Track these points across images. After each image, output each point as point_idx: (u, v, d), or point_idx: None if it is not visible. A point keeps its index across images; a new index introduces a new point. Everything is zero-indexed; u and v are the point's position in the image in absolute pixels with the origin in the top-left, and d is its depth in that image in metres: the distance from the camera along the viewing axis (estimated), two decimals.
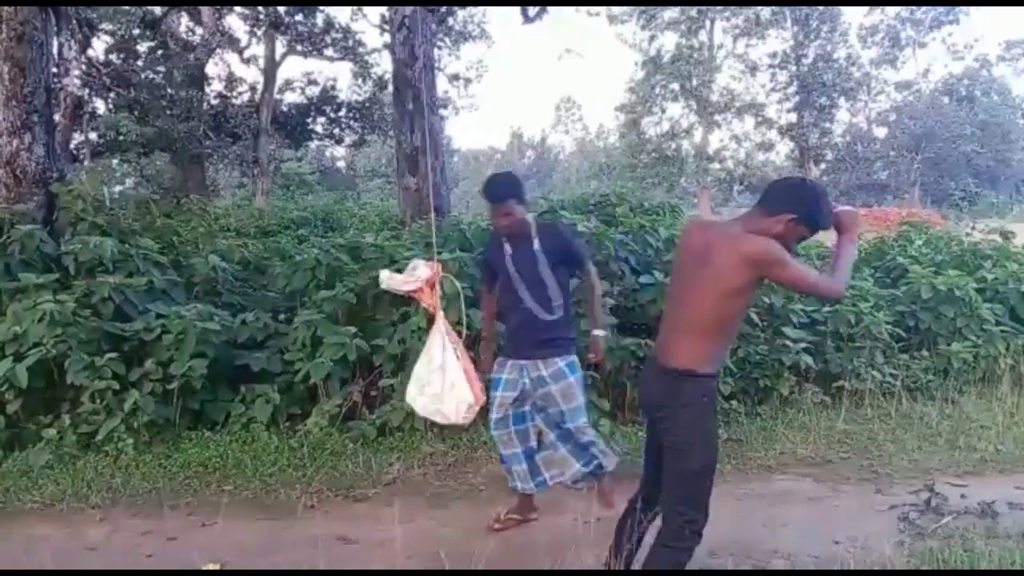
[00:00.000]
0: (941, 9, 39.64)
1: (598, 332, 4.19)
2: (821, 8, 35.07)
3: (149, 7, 18.90)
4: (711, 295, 2.77)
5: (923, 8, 40.04)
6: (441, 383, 3.70)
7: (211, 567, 3.71)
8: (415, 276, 3.93)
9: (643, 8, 34.67)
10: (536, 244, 3.99)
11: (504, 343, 4.25)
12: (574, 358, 4.09)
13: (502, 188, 4.02)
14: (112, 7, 17.67)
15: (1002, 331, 7.10)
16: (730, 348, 3.21)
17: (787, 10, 35.01)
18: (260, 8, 19.97)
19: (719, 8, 34.35)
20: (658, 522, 2.99)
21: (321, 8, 21.31)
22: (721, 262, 2.73)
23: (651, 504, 3.14)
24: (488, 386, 4.11)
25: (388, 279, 4.02)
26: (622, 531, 3.20)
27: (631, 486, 3.35)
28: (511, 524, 4.24)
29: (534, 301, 3.96)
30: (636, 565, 3.19)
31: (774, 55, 36.83)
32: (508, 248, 4.02)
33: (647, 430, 3.22)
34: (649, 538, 3.05)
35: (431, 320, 3.98)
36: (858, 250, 2.91)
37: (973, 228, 10.04)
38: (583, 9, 13.43)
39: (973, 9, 39.37)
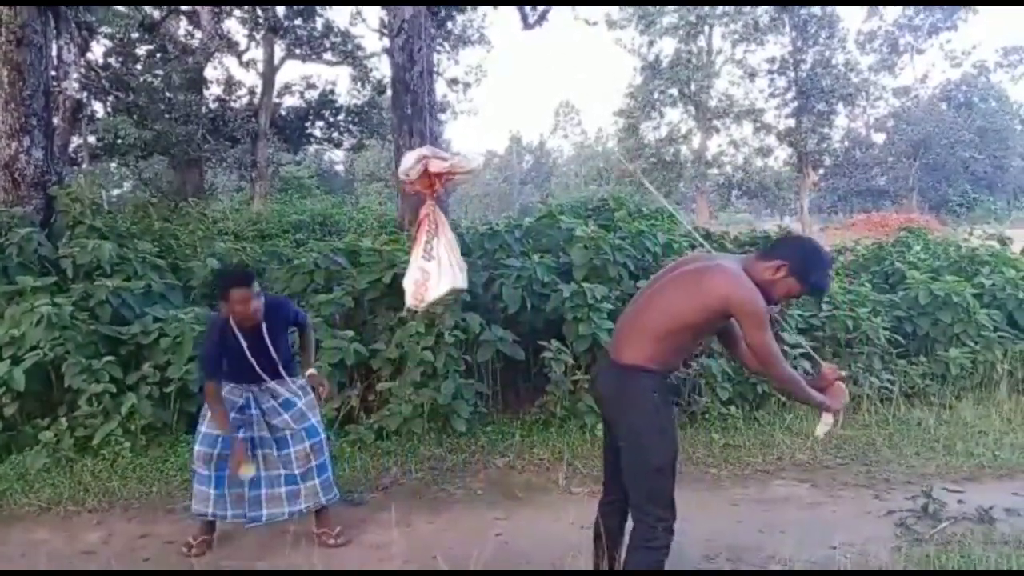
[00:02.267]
0: (939, 15, 39.72)
1: (312, 371, 4.24)
2: (819, 14, 35.12)
3: (147, 11, 18.92)
4: (682, 304, 2.82)
5: (921, 14, 40.12)
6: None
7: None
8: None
9: (642, 14, 34.73)
10: (264, 327, 3.95)
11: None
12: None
13: (248, 274, 4.00)
14: (111, 11, 17.67)
15: (1000, 337, 7.12)
16: (681, 359, 3.22)
17: (786, 16, 35.06)
18: (259, 12, 19.98)
19: (718, 14, 34.40)
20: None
21: (320, 12, 21.34)
22: (706, 284, 2.79)
23: (611, 507, 3.16)
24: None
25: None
26: (600, 533, 3.20)
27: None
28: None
29: (263, 372, 4.01)
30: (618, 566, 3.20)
31: (772, 60, 36.86)
32: (243, 339, 3.91)
33: (603, 428, 3.23)
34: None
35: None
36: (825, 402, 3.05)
37: (971, 234, 10.06)
38: (581, 16, 13.44)
39: (971, 16, 39.41)
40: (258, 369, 3.98)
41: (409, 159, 3.70)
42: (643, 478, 2.88)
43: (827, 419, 3.09)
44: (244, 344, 3.91)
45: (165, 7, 19.09)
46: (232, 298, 3.81)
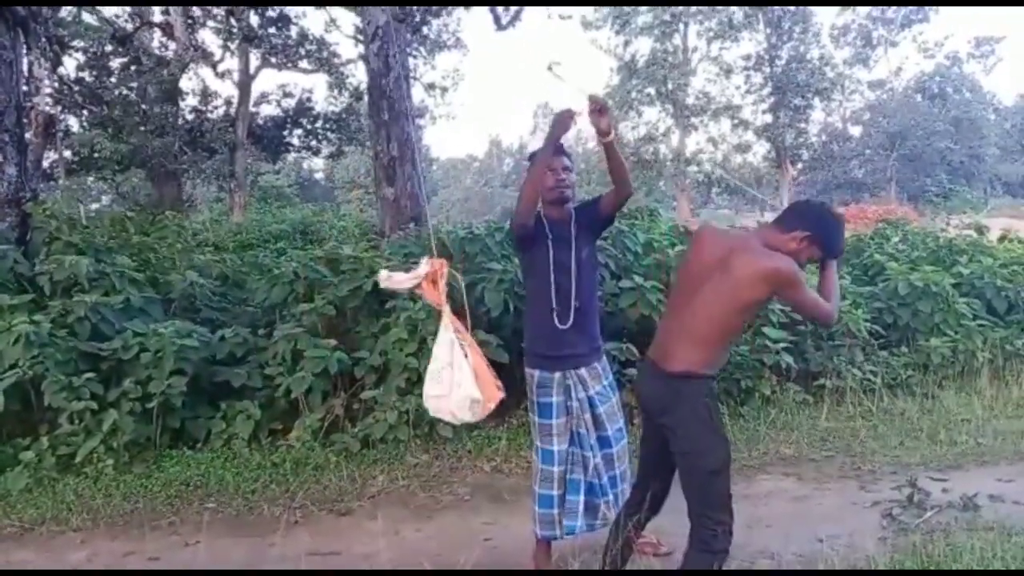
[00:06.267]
0: (911, 8, 40.12)
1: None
2: (793, 9, 35.38)
3: (120, 22, 18.79)
4: (724, 304, 2.78)
5: (894, 7, 40.51)
6: (450, 382, 3.36)
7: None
8: (416, 272, 3.49)
9: (616, 13, 34.85)
10: (573, 226, 3.67)
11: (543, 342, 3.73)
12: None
13: (563, 148, 3.76)
14: (82, 24, 17.54)
15: (979, 325, 7.18)
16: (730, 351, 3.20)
17: (760, 12, 35.29)
18: (233, 21, 19.88)
19: (692, 11, 34.57)
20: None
21: (294, 20, 21.26)
22: (740, 274, 2.74)
23: (634, 510, 3.13)
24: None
25: (387, 279, 3.58)
26: (615, 531, 3.20)
27: None
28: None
29: (563, 279, 3.62)
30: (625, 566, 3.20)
31: (748, 57, 37.05)
32: (550, 231, 3.63)
33: (643, 436, 3.19)
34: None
35: (438, 315, 3.53)
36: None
37: (948, 224, 10.15)
38: (555, 15, 13.44)
39: (943, 7, 39.89)
40: (552, 274, 3.60)
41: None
42: (700, 484, 2.85)
43: None
44: (550, 237, 3.62)
45: (137, 19, 18.95)
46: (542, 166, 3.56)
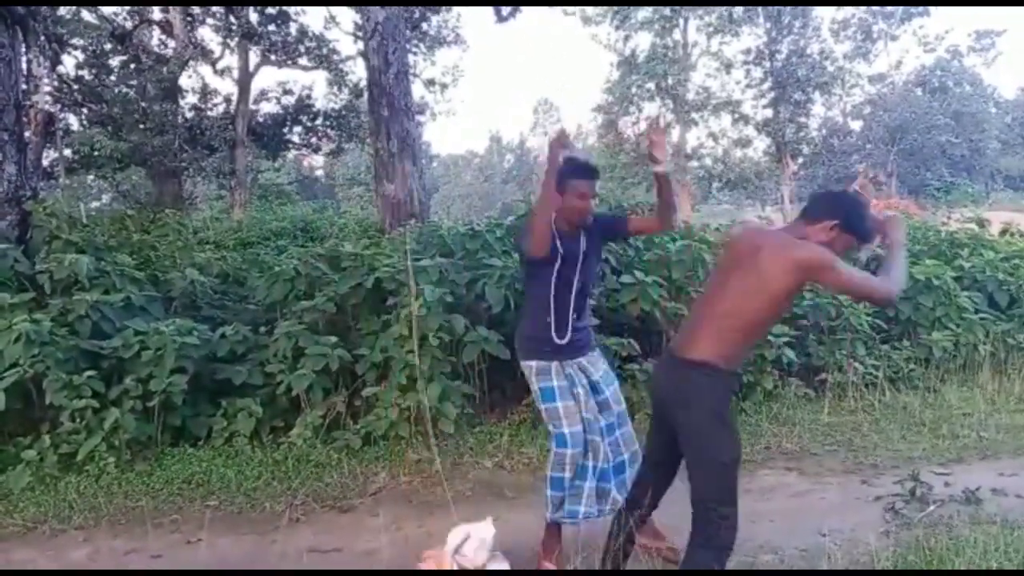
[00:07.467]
0: None
1: None
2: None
3: (119, 20, 18.78)
4: (753, 297, 2.77)
5: None
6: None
7: None
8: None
9: (617, 9, 34.83)
10: (583, 241, 3.70)
11: (538, 343, 3.74)
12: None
13: (594, 168, 3.75)
14: (81, 22, 17.53)
15: (981, 319, 7.17)
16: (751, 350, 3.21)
17: (759, 7, 35.26)
18: (232, 18, 19.87)
19: (692, 6, 34.57)
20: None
21: (294, 17, 21.25)
22: (768, 266, 2.74)
23: (636, 504, 3.13)
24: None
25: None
26: (616, 527, 3.19)
27: None
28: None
29: (570, 295, 3.66)
30: (624, 565, 3.20)
31: (748, 52, 37.08)
32: (561, 244, 3.59)
33: (653, 428, 3.17)
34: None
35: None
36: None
37: (949, 217, 10.12)
38: (558, 9, 13.44)
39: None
40: (553, 288, 3.60)
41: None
42: (712, 475, 2.82)
43: None
44: (561, 250, 3.58)
45: (136, 17, 18.95)
46: (569, 188, 3.55)
